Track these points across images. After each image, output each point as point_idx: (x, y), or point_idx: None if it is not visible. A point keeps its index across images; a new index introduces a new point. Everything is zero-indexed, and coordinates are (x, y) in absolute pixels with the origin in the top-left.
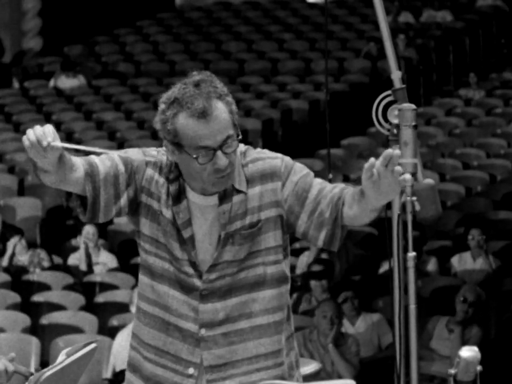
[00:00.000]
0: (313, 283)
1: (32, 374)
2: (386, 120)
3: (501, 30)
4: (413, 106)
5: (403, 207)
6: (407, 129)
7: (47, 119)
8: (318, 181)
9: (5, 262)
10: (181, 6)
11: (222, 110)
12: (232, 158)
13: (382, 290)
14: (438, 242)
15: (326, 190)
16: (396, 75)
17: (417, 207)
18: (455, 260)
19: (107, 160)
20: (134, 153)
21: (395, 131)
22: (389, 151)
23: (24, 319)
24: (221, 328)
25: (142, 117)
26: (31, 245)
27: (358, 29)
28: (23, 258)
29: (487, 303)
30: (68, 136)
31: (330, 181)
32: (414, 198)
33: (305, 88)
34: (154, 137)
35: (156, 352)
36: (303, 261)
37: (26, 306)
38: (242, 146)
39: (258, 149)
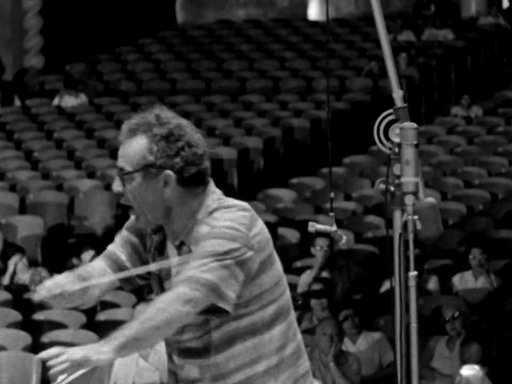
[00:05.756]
0: (313, 302)
1: None
2: (388, 139)
3: (503, 48)
4: (415, 124)
5: (404, 226)
6: (408, 148)
7: (48, 137)
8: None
9: (6, 280)
10: (182, 24)
11: (139, 145)
12: (131, 193)
13: (383, 309)
14: (439, 261)
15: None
16: (398, 94)
17: (419, 226)
18: (456, 279)
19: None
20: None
21: (396, 150)
22: None
23: (25, 337)
24: None
25: None
26: (32, 264)
27: (360, 48)
28: (24, 276)
29: (488, 321)
30: (69, 154)
31: (331, 200)
32: (416, 217)
33: (307, 106)
34: None
35: None
36: (304, 279)
37: (27, 325)
38: (215, 203)
39: (226, 210)
